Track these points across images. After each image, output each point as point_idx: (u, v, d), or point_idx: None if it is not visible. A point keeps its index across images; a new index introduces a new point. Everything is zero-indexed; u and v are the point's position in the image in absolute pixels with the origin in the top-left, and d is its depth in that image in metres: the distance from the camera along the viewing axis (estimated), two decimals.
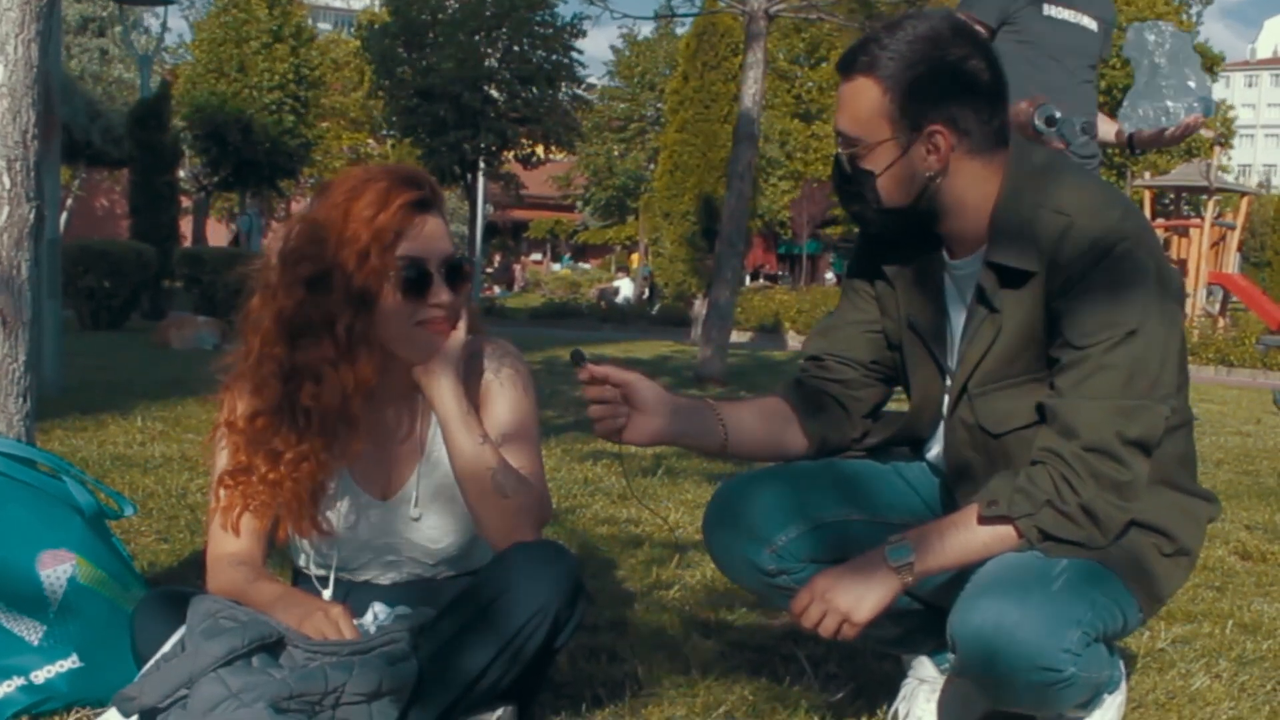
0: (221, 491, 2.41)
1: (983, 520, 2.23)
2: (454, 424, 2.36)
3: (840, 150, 2.37)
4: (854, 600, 2.22)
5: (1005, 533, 2.23)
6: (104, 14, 39.24)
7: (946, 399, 2.49)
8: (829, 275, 49.22)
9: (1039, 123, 4.61)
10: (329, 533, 2.45)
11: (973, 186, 2.33)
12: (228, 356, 2.46)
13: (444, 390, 2.37)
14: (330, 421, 2.37)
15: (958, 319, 2.46)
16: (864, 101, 2.30)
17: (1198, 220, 25.40)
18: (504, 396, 2.49)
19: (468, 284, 2.41)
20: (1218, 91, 52.13)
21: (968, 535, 2.24)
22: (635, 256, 44.55)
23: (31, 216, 2.78)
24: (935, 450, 2.58)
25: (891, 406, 2.69)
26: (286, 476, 2.37)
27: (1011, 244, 2.29)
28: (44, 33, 2.78)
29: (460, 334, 2.39)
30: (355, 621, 2.32)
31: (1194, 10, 45.80)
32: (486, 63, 30.80)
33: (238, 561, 2.40)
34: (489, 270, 46.30)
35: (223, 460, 2.44)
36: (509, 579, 2.28)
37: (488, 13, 30.47)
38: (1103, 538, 2.23)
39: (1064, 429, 2.22)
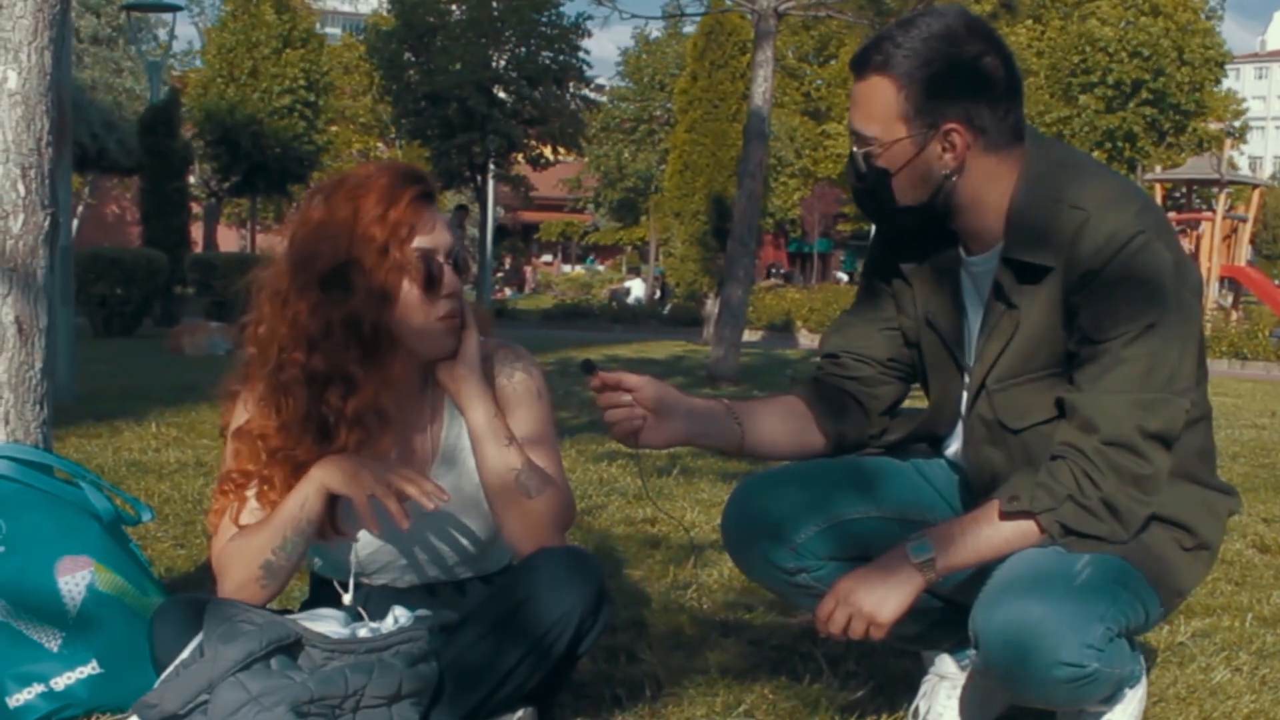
0: (230, 498, 2.40)
1: (1004, 516, 2.23)
2: (482, 427, 2.36)
3: (855, 149, 2.36)
4: (878, 601, 2.22)
5: (1027, 528, 2.22)
6: (113, 26, 39.35)
7: (965, 395, 2.48)
8: (840, 274, 49.20)
9: None
10: (346, 535, 2.44)
11: (989, 183, 2.31)
12: (237, 368, 2.44)
13: (472, 393, 2.37)
14: (367, 419, 2.36)
15: (975, 315, 2.45)
16: (879, 100, 2.28)
17: (1209, 214, 25.32)
18: (520, 402, 2.48)
19: (469, 271, 2.41)
20: (1228, 84, 51.70)
21: (989, 531, 2.24)
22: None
23: (46, 224, 2.78)
24: (954, 447, 2.58)
25: (909, 404, 2.69)
26: None
27: (1029, 240, 2.28)
28: (56, 40, 2.78)
29: (476, 335, 2.39)
30: (374, 625, 2.31)
31: (1212, 3, 45.48)
32: (493, 65, 30.79)
33: (238, 533, 2.37)
34: (500, 273, 46.30)
35: (228, 463, 2.42)
36: (533, 585, 2.28)
37: (494, 13, 30.45)
38: (1124, 532, 2.23)
39: (1084, 424, 2.21)
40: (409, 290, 2.32)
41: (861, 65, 2.32)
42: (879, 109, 2.29)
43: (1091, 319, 2.23)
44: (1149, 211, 2.26)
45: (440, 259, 2.34)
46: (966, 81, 2.25)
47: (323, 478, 2.31)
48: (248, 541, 2.34)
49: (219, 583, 2.38)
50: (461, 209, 24.86)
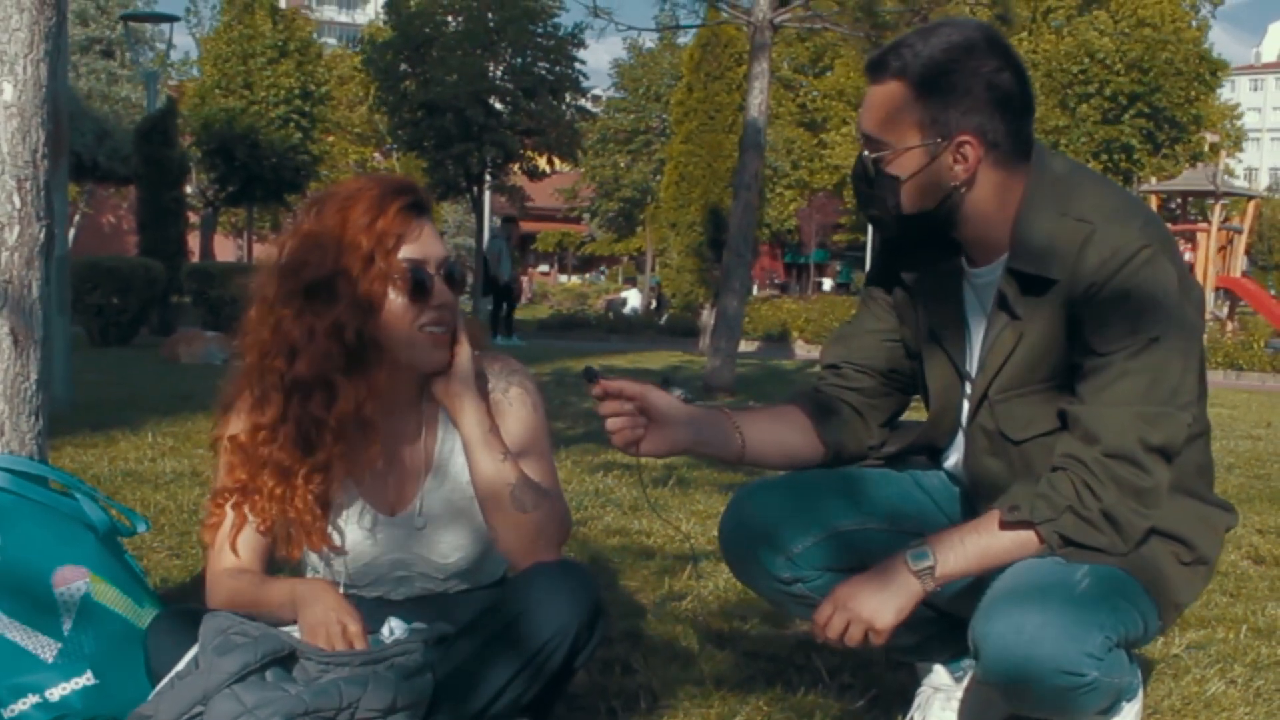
0: (226, 509, 2.40)
1: (1004, 525, 2.23)
2: (476, 442, 2.35)
3: (865, 152, 2.35)
4: (876, 607, 2.21)
5: (1026, 538, 2.22)
6: (110, 34, 39.33)
7: (966, 406, 2.48)
8: (825, 283, 49.29)
9: None
10: (339, 548, 2.44)
11: (995, 197, 2.31)
12: (230, 375, 2.45)
13: (467, 408, 2.36)
14: (350, 429, 2.36)
15: (977, 327, 2.45)
16: (894, 105, 2.28)
17: (1205, 225, 25.36)
18: (513, 414, 2.47)
19: (463, 287, 2.41)
20: (1223, 96, 51.81)
21: (989, 540, 2.24)
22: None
23: (42, 235, 2.77)
24: (953, 459, 2.58)
25: (908, 416, 2.69)
26: (299, 491, 2.37)
27: (1034, 252, 2.28)
28: (52, 52, 2.78)
29: (469, 348, 2.38)
30: (370, 636, 2.31)
31: (1203, 13, 45.53)
32: (489, 75, 30.84)
33: (239, 571, 2.39)
34: None
35: (221, 476, 2.43)
36: (529, 600, 2.27)
37: (490, 24, 30.50)
38: (1124, 544, 2.23)
39: (1086, 435, 2.21)
40: (394, 300, 2.31)
41: (879, 68, 2.30)
42: (893, 114, 2.28)
43: (1095, 331, 2.23)
44: (1153, 226, 2.27)
45: (430, 269, 2.34)
46: (983, 95, 2.25)
47: (300, 603, 2.29)
48: (238, 593, 2.35)
49: (209, 603, 2.39)
50: (510, 220, 24.90)
